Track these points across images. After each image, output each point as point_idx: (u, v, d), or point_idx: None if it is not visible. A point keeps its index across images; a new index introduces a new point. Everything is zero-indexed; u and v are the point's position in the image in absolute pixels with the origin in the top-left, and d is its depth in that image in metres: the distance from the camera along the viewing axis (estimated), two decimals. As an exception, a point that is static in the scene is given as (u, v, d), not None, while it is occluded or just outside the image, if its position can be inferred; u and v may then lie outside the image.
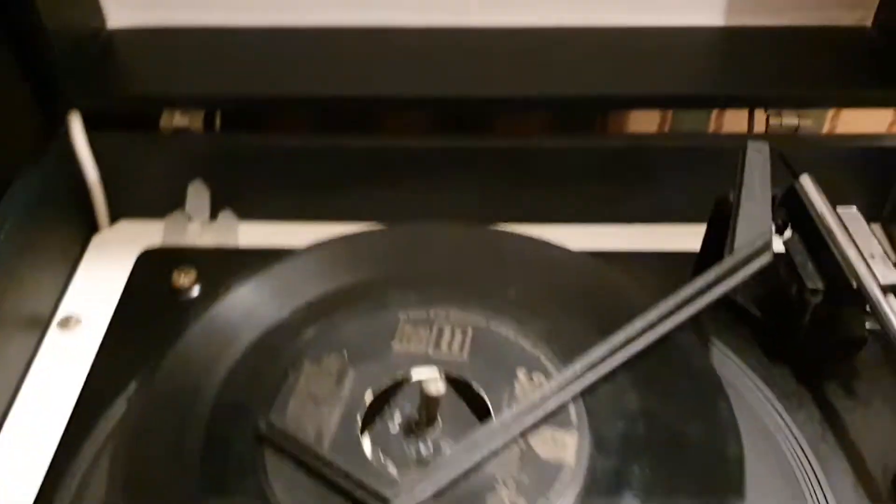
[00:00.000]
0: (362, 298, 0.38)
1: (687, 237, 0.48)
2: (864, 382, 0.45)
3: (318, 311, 0.38)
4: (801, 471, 0.40)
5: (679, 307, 0.36)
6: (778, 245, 0.47)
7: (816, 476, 0.40)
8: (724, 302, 0.48)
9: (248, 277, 0.38)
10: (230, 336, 0.36)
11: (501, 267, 0.40)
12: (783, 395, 0.44)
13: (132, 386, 0.43)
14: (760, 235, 0.39)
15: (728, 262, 0.38)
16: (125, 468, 0.32)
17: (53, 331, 0.50)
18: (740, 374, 0.44)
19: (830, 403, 0.44)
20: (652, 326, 0.36)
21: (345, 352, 0.36)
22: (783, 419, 0.42)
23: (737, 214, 0.40)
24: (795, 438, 0.41)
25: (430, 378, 0.32)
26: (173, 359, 0.35)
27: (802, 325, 0.45)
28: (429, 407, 0.33)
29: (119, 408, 0.42)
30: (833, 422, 0.44)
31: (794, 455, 0.41)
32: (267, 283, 0.39)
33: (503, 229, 0.41)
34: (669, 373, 0.36)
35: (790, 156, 0.47)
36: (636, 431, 0.33)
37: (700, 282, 0.37)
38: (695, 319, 0.47)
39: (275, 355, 0.36)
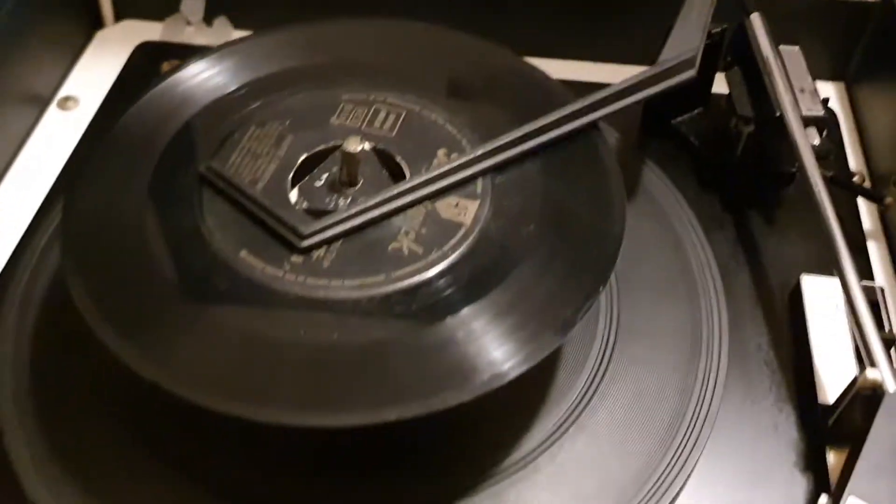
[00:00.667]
0: (312, 79, 0.42)
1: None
2: (785, 215, 0.49)
3: (269, 86, 0.42)
4: (702, 281, 0.44)
5: (594, 107, 0.39)
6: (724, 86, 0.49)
7: (715, 287, 0.43)
8: (669, 132, 0.52)
9: (210, 52, 0.42)
10: (186, 100, 0.41)
11: (443, 64, 0.43)
12: (707, 217, 0.47)
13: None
14: (686, 52, 0.41)
15: (649, 71, 0.41)
16: (77, 193, 0.37)
17: (53, 109, 0.55)
18: (669, 195, 0.47)
19: (748, 229, 0.48)
20: (566, 121, 0.39)
21: (287, 121, 0.40)
22: (697, 236, 0.45)
23: (669, 33, 0.42)
24: (705, 254, 0.45)
25: (350, 138, 0.36)
26: (131, 115, 0.40)
27: (735, 156, 0.48)
28: (349, 165, 0.37)
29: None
30: (746, 245, 0.47)
31: (701, 267, 0.44)
32: (226, 58, 0.42)
33: (449, 29, 0.44)
34: (576, 163, 0.39)
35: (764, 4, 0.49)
36: (532, 206, 0.37)
37: (618, 86, 0.40)
38: (640, 145, 0.50)
39: (224, 118, 0.40)
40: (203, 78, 0.42)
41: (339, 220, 0.36)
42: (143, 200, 0.37)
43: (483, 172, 0.38)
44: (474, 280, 0.35)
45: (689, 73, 0.42)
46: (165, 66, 0.54)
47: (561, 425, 0.38)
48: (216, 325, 0.33)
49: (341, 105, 0.41)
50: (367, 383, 0.32)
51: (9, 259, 0.44)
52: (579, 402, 0.39)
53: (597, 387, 0.39)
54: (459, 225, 0.36)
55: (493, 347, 0.32)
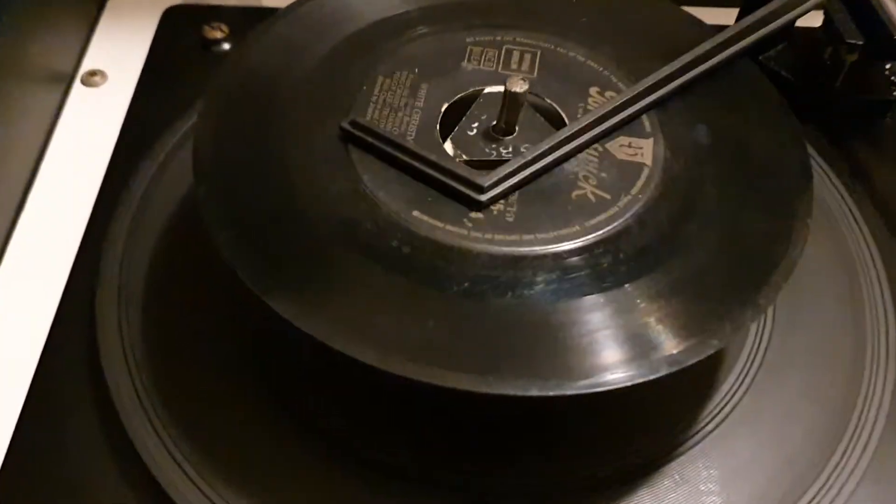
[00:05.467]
0: (428, 24, 0.38)
1: None
2: (890, 142, 0.47)
3: (385, 33, 0.37)
4: (840, 213, 0.42)
5: (742, 35, 0.37)
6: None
7: (850, 209, 0.42)
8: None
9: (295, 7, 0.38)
10: (302, 46, 0.36)
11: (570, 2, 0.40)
12: (816, 151, 0.45)
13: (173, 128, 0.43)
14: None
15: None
16: (207, 150, 0.32)
17: (78, 86, 0.49)
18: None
19: (859, 161, 0.46)
20: (717, 51, 0.36)
21: (416, 68, 0.36)
22: (823, 169, 0.44)
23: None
24: (833, 184, 0.43)
25: (512, 78, 0.33)
26: (238, 63, 0.35)
27: (834, 86, 0.46)
28: (512, 109, 0.33)
29: (159, 150, 0.42)
30: (861, 176, 0.46)
31: (833, 196, 0.42)
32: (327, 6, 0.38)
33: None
34: (736, 94, 0.36)
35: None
36: (706, 142, 0.34)
37: (757, 15, 0.38)
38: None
39: (346, 69, 0.36)
40: (318, 18, 0.37)
41: (516, 169, 0.32)
42: (280, 165, 0.32)
43: (646, 109, 0.35)
44: (674, 223, 0.32)
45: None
46: (208, 31, 0.49)
47: (745, 374, 0.35)
48: (408, 291, 0.29)
49: (468, 48, 0.37)
50: (587, 347, 0.28)
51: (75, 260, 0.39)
52: (757, 350, 0.36)
53: (770, 334, 0.37)
54: (641, 166, 0.33)
55: (716, 295, 0.30)
